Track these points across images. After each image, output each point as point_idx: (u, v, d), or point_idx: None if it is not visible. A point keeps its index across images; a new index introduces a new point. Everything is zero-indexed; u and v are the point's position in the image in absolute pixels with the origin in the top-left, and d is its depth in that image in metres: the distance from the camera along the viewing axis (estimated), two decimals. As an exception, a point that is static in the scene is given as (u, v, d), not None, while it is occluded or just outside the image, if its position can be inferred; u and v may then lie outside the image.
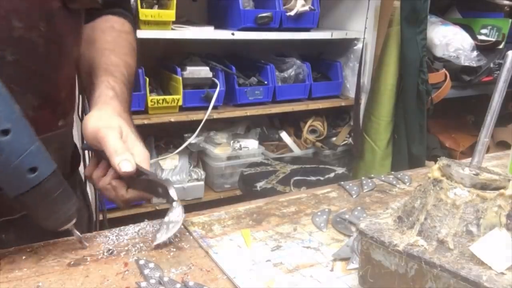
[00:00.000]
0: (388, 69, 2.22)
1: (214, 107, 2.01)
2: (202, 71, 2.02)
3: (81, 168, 0.83)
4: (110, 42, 0.77)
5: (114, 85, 0.71)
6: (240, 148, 2.24)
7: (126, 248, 0.59)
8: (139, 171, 0.62)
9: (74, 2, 0.64)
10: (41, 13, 0.60)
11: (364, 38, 2.28)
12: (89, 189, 1.80)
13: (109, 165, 0.64)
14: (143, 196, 0.67)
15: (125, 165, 0.60)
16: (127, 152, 0.62)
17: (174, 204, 0.62)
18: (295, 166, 2.12)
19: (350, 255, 0.59)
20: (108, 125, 0.63)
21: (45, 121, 0.66)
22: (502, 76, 0.48)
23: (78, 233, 0.59)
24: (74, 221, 0.57)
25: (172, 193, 0.62)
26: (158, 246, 0.60)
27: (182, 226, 0.64)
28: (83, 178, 0.84)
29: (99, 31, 0.78)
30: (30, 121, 0.61)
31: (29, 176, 0.51)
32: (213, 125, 2.20)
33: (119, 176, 0.63)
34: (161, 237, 0.60)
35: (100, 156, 0.66)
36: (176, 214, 0.62)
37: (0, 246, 0.59)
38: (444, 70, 2.26)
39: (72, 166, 0.80)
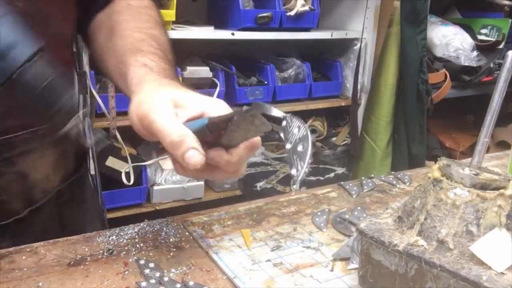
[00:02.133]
0: (388, 69, 2.22)
1: (214, 107, 2.01)
2: (202, 71, 2.02)
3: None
4: (130, 21, 0.68)
5: (144, 60, 0.59)
6: (240, 148, 2.24)
7: (126, 248, 0.59)
8: (223, 122, 0.47)
9: None
10: None
11: (363, 38, 2.28)
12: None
13: None
14: (252, 147, 0.50)
15: (191, 156, 0.46)
16: (188, 136, 0.46)
17: (284, 122, 0.46)
18: (295, 166, 2.11)
19: (350, 255, 0.59)
20: (155, 103, 0.48)
21: (35, 111, 0.62)
22: (502, 76, 0.48)
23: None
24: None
25: (275, 112, 0.46)
26: (157, 247, 0.60)
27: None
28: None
29: (116, 14, 0.69)
30: (17, 111, 0.58)
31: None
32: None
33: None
34: (300, 173, 0.44)
35: None
36: (295, 131, 0.45)
37: None
38: (444, 70, 2.26)
39: (77, 165, 0.75)
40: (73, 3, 0.67)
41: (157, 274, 0.53)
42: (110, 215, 1.84)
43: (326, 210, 0.72)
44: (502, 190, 0.45)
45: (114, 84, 0.68)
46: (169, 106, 0.49)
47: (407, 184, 0.85)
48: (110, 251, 0.58)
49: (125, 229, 0.64)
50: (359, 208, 0.72)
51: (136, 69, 0.57)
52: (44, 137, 0.63)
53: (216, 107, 0.50)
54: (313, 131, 2.47)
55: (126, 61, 0.60)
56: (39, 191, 0.65)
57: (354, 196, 0.79)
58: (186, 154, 0.46)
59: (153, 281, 0.51)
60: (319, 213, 0.70)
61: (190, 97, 0.51)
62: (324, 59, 2.49)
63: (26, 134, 0.60)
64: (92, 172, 1.74)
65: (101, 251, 0.58)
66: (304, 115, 2.45)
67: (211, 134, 0.48)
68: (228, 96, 2.09)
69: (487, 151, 0.54)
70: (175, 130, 0.46)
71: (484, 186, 0.46)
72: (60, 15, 0.63)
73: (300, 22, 2.13)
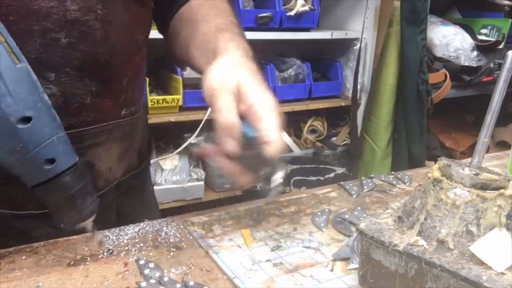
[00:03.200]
0: (388, 69, 2.22)
1: (214, 107, 2.01)
2: (202, 71, 2.01)
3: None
4: (211, 9, 0.75)
5: (232, 37, 0.66)
6: (240, 148, 2.24)
7: (126, 248, 0.59)
8: (256, 147, 0.55)
9: None
10: None
11: (363, 38, 2.28)
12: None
13: None
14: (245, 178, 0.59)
15: (229, 143, 0.56)
16: (236, 127, 0.55)
17: (275, 183, 0.55)
18: (295, 166, 2.12)
19: (350, 255, 0.59)
20: (224, 82, 0.57)
21: (106, 108, 0.66)
22: (502, 76, 0.48)
23: (98, 232, 0.57)
24: (91, 219, 0.54)
25: (277, 177, 0.54)
26: (157, 247, 0.60)
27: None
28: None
29: (196, 7, 0.76)
30: (90, 107, 0.64)
31: (45, 167, 0.49)
32: (213, 125, 2.19)
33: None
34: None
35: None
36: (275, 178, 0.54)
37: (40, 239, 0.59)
38: (444, 70, 2.26)
39: (140, 159, 0.79)
40: (148, 9, 0.72)
41: (157, 274, 0.53)
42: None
43: (326, 210, 0.72)
44: (502, 190, 0.45)
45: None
46: (234, 93, 0.56)
47: (407, 184, 0.85)
48: (110, 251, 0.58)
49: (125, 229, 0.64)
50: (359, 208, 0.72)
51: (224, 43, 0.64)
52: (112, 132, 0.68)
53: (262, 106, 0.56)
54: (313, 131, 2.48)
55: (212, 39, 0.67)
56: (102, 180, 0.69)
57: (354, 196, 0.79)
58: (227, 140, 0.55)
59: (153, 281, 0.51)
60: (319, 213, 0.70)
61: (247, 88, 0.57)
62: (324, 59, 2.49)
63: (96, 128, 0.65)
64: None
65: (101, 251, 0.58)
66: (304, 115, 2.45)
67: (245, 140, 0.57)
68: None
69: (487, 151, 0.54)
70: (231, 117, 0.55)
71: (484, 186, 0.46)
72: (134, 22, 0.68)
73: (300, 22, 2.13)
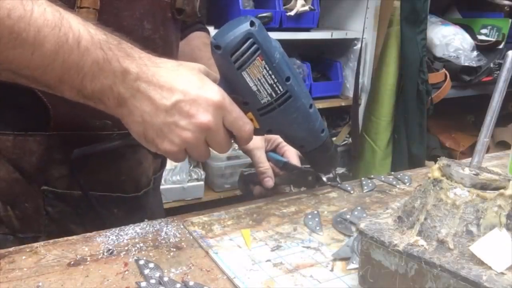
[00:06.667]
0: (388, 69, 2.22)
1: (214, 107, 2.00)
2: (202, 71, 2.01)
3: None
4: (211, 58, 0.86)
5: None
6: (240, 148, 2.24)
7: (126, 248, 0.59)
8: (290, 166, 0.82)
9: (180, 14, 0.76)
10: (161, 18, 0.72)
11: (363, 38, 2.28)
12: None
13: None
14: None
15: (268, 180, 0.81)
16: (269, 170, 0.81)
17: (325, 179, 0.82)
18: (295, 166, 2.11)
19: (350, 255, 0.59)
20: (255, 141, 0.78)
21: None
22: (502, 76, 0.48)
23: (339, 181, 0.81)
24: (337, 166, 0.78)
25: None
26: (157, 247, 0.60)
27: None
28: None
29: (197, 50, 0.90)
30: None
31: (321, 135, 0.68)
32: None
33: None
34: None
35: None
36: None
37: (111, 220, 0.67)
38: (444, 70, 2.26)
39: (163, 160, 0.87)
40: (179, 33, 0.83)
41: (157, 274, 0.53)
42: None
43: (315, 212, 0.71)
44: (502, 190, 0.45)
45: None
46: (263, 149, 0.82)
47: (407, 184, 0.85)
48: (110, 251, 0.58)
49: (125, 229, 0.64)
50: (359, 208, 0.72)
51: None
52: None
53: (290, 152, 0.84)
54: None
55: None
56: (145, 177, 0.80)
57: (354, 196, 0.79)
58: (266, 179, 0.81)
59: (153, 281, 0.51)
60: (309, 216, 0.70)
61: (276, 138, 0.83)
62: (324, 59, 2.49)
63: None
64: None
65: (101, 251, 0.58)
66: (304, 115, 2.44)
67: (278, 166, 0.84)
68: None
69: (487, 151, 0.54)
70: (265, 164, 0.82)
71: (484, 186, 0.46)
72: (176, 43, 0.79)
73: (300, 22, 2.13)
